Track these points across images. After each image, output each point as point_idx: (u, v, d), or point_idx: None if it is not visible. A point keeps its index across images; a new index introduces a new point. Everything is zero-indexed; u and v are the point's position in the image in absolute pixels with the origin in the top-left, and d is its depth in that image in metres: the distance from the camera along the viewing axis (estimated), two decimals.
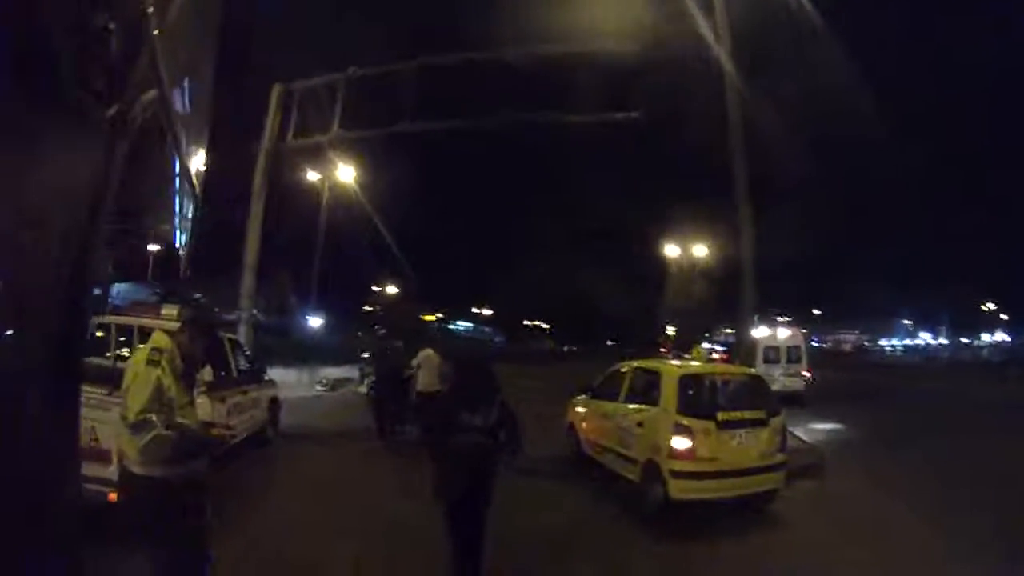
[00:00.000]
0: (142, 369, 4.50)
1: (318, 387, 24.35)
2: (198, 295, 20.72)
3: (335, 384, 25.09)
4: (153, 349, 4.60)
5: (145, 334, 9.41)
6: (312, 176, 30.30)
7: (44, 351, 2.00)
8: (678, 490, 8.68)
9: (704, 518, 8.67)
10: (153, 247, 46.92)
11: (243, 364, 11.79)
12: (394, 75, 18.78)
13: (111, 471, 6.45)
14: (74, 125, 1.94)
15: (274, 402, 13.29)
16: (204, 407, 8.42)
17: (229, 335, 11.82)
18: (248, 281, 20.18)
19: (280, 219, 21.27)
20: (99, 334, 10.50)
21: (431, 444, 6.94)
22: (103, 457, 6.78)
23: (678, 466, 8.69)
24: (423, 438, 9.57)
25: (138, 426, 4.31)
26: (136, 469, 4.43)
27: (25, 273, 1.88)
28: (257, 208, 20.13)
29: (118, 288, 43.36)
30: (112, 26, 1.92)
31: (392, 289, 68.51)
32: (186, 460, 4.58)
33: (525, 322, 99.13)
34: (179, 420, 4.57)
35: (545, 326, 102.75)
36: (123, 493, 4.67)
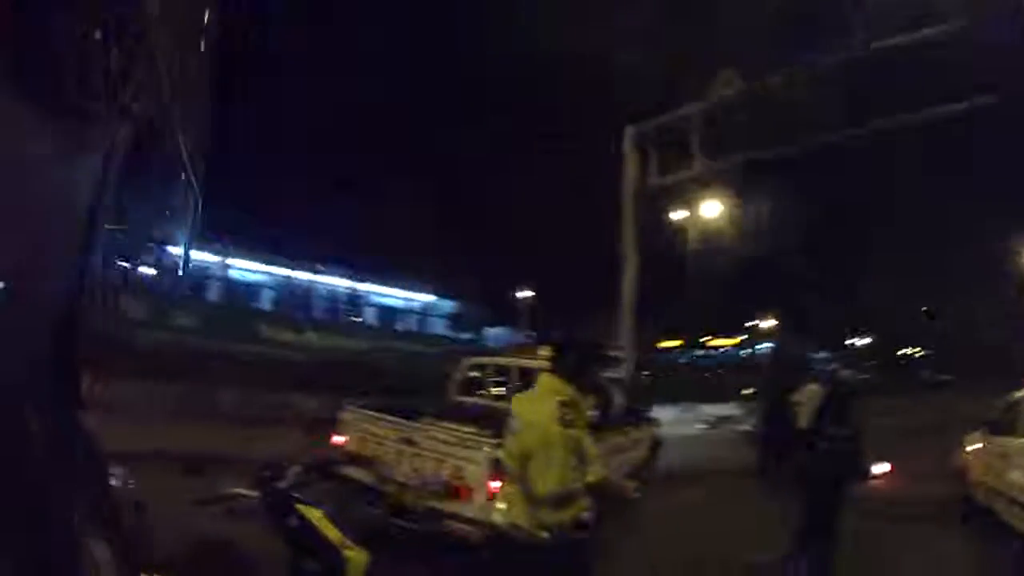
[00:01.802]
0: (555, 432, 3.92)
1: (698, 425, 23.59)
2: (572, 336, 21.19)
3: (716, 422, 24.22)
4: (562, 404, 3.97)
5: (523, 375, 9.35)
6: (679, 214, 30.06)
7: (43, 355, 1.92)
8: None
9: None
10: (523, 294, 49.76)
11: (624, 402, 11.30)
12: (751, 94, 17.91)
13: (472, 509, 6.47)
14: (74, 126, 1.87)
15: (655, 441, 12.54)
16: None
17: (609, 373, 11.40)
18: (627, 319, 20.25)
19: (649, 253, 21.15)
20: (474, 374, 10.67)
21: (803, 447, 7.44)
22: (465, 495, 6.70)
23: None
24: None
25: (557, 502, 3.82)
26: (522, 535, 3.93)
27: (24, 275, 1.76)
28: (631, 250, 20.29)
29: (492, 332, 46.48)
30: (113, 27, 1.75)
31: (765, 323, 66.15)
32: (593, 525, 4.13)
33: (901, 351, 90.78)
34: (590, 479, 4.11)
35: (922, 353, 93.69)
36: (495, 548, 4.27)
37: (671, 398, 24.59)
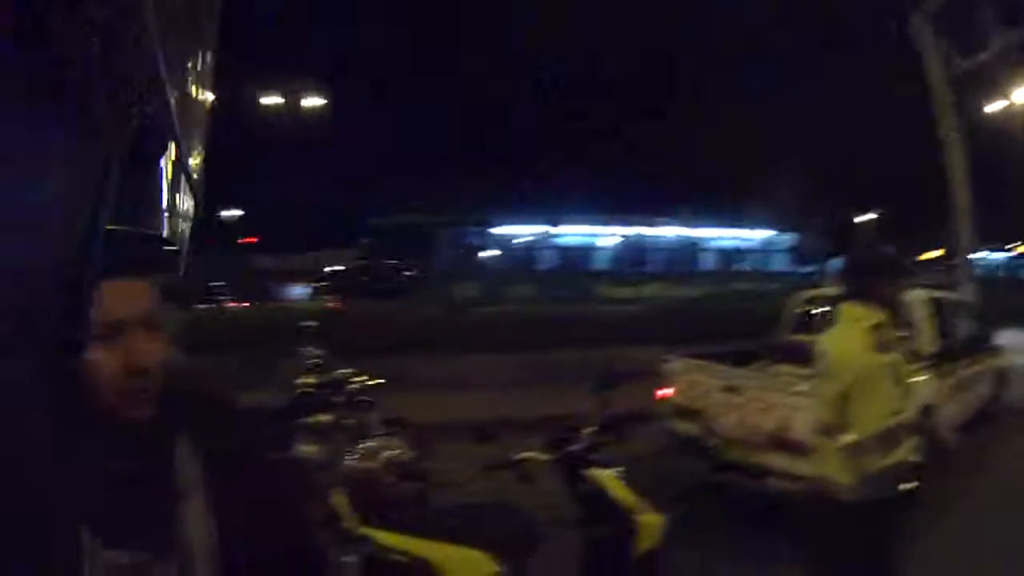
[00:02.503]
0: (872, 361, 3.63)
1: None
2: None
3: None
4: (873, 328, 3.68)
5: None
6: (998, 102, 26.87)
7: (43, 356, 1.54)
8: None
9: None
10: (863, 218, 46.29)
11: (968, 329, 9.94)
12: None
13: (799, 463, 5.72)
14: (74, 125, 1.55)
15: (1001, 373, 10.89)
16: (927, 386, 7.15)
17: (945, 294, 10.06)
18: (963, 233, 18.22)
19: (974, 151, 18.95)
20: (811, 309, 9.81)
21: None
22: (792, 447, 6.09)
23: None
24: None
25: (883, 442, 3.56)
26: (848, 496, 3.59)
27: (24, 276, 1.45)
28: (955, 151, 18.12)
29: (835, 263, 43.91)
30: (113, 27, 1.63)
31: None
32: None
33: None
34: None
35: None
36: (819, 504, 3.86)
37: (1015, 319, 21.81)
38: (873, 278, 3.87)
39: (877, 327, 3.71)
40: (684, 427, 7.43)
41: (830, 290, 9.88)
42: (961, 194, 18.05)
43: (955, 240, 18.73)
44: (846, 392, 3.63)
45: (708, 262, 43.58)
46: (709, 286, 27.82)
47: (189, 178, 2.93)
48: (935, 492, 6.38)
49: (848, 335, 3.78)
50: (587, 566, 3.51)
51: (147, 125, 2.24)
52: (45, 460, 1.57)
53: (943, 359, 7.96)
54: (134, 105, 2.04)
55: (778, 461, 6.31)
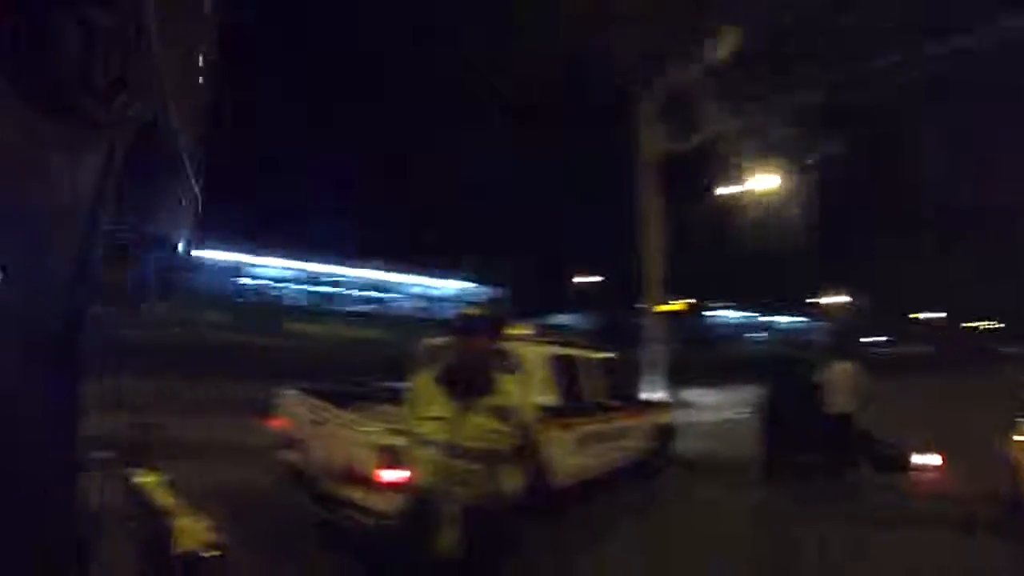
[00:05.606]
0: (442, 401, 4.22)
1: (739, 410, 23.04)
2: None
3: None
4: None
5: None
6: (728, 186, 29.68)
7: (42, 355, 1.93)
8: None
9: None
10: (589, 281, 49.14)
11: (609, 387, 10.66)
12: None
13: (372, 497, 6.50)
14: (74, 126, 1.88)
15: (664, 429, 12.30)
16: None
17: (590, 353, 10.82)
18: (652, 296, 20.52)
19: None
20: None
21: None
22: (360, 481, 6.72)
23: None
24: None
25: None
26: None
27: (23, 276, 1.79)
28: (651, 227, 20.38)
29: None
30: (112, 27, 1.85)
31: (838, 299, 64.44)
32: None
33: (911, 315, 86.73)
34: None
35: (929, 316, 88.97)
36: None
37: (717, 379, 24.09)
38: (462, 335, 4.26)
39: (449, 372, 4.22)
40: (292, 457, 7.76)
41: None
42: (655, 264, 20.11)
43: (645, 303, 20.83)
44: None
45: (397, 306, 44.53)
46: (384, 328, 28.62)
47: (188, 179, 2.77)
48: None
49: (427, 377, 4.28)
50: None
51: (147, 126, 2.19)
52: None
53: (565, 414, 8.81)
54: (132, 108, 2.00)
55: (353, 493, 6.69)
